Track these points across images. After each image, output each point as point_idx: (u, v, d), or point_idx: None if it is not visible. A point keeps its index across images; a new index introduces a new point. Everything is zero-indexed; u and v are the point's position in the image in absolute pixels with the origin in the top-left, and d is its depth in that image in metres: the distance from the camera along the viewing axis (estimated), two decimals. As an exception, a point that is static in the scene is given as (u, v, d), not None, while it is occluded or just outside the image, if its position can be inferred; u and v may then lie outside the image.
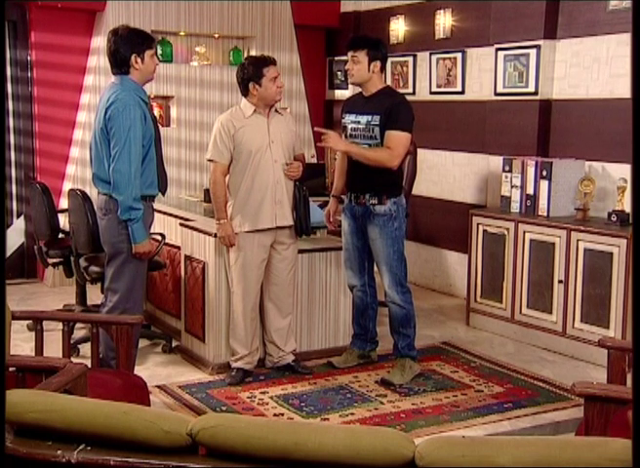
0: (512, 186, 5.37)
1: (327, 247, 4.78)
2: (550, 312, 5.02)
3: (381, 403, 4.11)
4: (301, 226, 4.35)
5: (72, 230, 4.93)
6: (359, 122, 4.30)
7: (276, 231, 4.32)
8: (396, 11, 6.99)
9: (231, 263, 4.35)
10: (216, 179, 4.29)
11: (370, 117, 4.25)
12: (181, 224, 4.84)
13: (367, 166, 4.22)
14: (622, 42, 5.00)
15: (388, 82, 6.85)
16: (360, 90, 4.43)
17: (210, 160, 4.32)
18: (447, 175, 6.53)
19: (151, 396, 3.44)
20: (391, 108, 4.20)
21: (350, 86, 7.44)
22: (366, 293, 4.57)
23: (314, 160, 7.10)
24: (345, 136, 4.39)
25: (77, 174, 6.43)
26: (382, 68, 4.33)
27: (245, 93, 4.28)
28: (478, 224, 5.48)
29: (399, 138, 4.18)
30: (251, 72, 4.22)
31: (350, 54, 4.27)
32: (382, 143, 4.22)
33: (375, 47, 4.28)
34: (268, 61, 4.26)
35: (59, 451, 1.81)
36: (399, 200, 4.33)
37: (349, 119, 4.37)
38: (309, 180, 4.75)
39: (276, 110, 4.35)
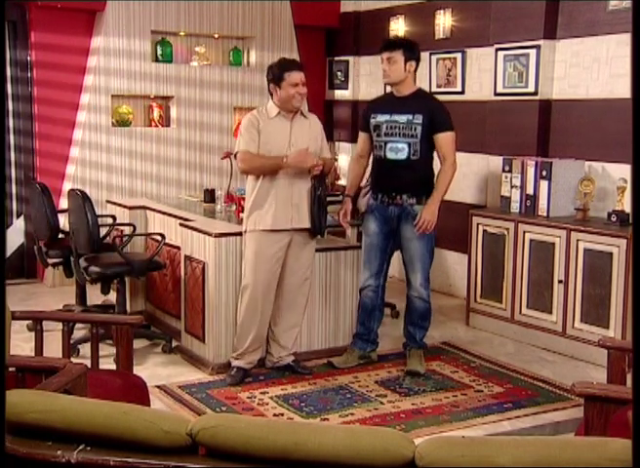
0: (512, 186, 5.37)
1: (327, 247, 4.78)
2: (550, 312, 5.02)
3: (381, 403, 4.11)
4: (314, 226, 4.34)
5: (72, 230, 4.93)
6: (396, 121, 4.39)
7: (293, 232, 4.33)
8: (396, 11, 6.99)
9: (245, 256, 4.35)
10: (244, 158, 4.21)
11: (411, 116, 4.36)
12: (181, 224, 4.84)
13: (402, 166, 4.38)
14: (622, 42, 5.00)
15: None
16: (380, 92, 4.47)
17: (239, 151, 4.25)
18: (447, 175, 6.51)
19: (151, 396, 3.43)
20: (434, 111, 4.38)
21: (350, 86, 7.47)
22: (377, 295, 4.62)
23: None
24: (378, 136, 4.46)
25: (77, 174, 6.43)
26: (416, 69, 4.46)
27: (270, 93, 4.32)
28: (478, 224, 5.48)
29: (450, 139, 4.39)
30: (273, 74, 4.25)
31: (386, 55, 4.39)
32: (422, 142, 4.35)
33: (410, 48, 4.42)
34: (292, 66, 4.25)
35: (58, 451, 1.81)
36: None
37: (383, 119, 4.44)
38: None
39: (302, 114, 4.35)
